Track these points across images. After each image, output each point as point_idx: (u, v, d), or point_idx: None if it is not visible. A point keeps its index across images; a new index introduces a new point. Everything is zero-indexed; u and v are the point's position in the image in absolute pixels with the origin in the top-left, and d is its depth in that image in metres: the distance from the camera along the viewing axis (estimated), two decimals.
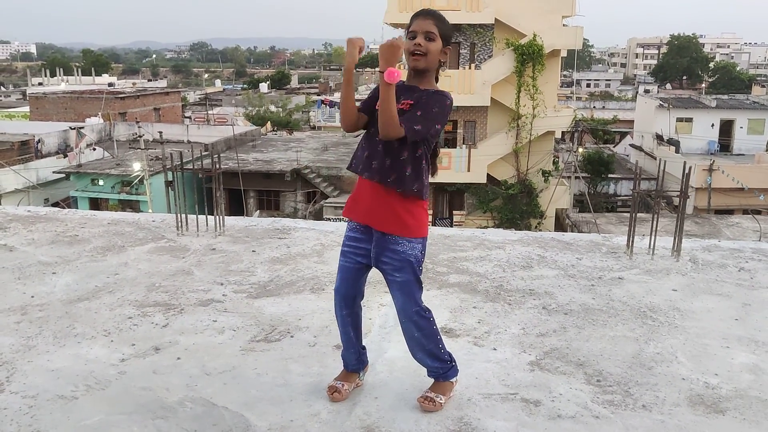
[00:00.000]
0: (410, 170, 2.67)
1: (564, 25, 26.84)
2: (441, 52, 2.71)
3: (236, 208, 28.08)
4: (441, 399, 2.83)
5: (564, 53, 29.02)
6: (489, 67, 25.79)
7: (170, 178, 5.77)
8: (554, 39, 25.62)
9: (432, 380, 2.91)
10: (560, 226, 27.24)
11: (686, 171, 4.93)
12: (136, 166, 27.13)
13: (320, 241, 5.36)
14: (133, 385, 3.03)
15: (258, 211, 30.28)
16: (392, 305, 3.91)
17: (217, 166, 5.66)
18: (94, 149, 33.83)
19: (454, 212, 27.62)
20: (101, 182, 29.19)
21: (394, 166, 2.67)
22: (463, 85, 25.51)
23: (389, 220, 2.70)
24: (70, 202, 29.19)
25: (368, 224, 2.75)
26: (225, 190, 5.61)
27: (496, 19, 25.75)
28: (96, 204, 29.16)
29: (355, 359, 2.97)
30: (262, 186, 30.69)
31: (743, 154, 36.24)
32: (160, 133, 30.33)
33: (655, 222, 5.03)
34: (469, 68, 25.84)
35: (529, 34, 25.20)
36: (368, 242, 2.77)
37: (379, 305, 3.96)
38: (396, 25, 27.82)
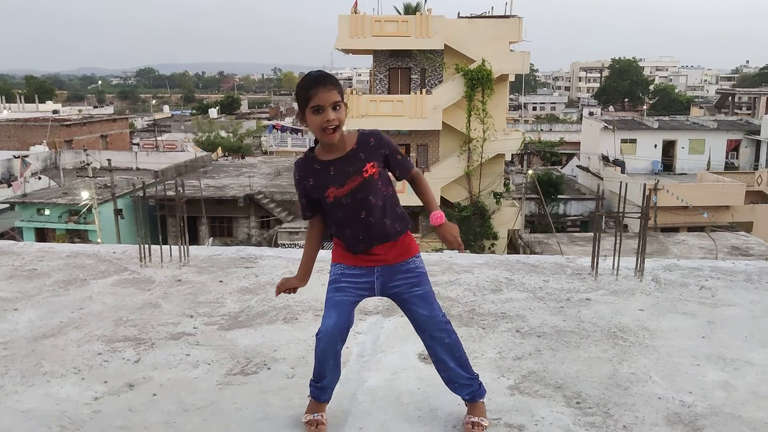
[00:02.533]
0: (398, 207, 2.80)
1: (511, 50, 27.46)
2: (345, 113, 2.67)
3: (189, 235, 27.61)
4: (485, 422, 2.83)
5: (512, 77, 29.67)
6: (440, 92, 26.17)
7: (119, 206, 5.68)
8: (502, 64, 26.21)
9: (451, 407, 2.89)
10: (513, 247, 27.62)
11: (646, 193, 5.07)
12: (84, 195, 26.50)
13: (289, 269, 5.31)
14: (109, 425, 2.94)
15: (211, 238, 29.87)
16: (369, 333, 3.93)
17: (181, 191, 5.59)
18: (40, 178, 33.05)
19: None
20: (47, 212, 28.43)
21: (395, 218, 2.75)
22: (415, 110, 25.83)
23: (398, 253, 2.77)
24: (15, 234, 28.32)
25: (382, 265, 2.76)
26: (178, 217, 5.53)
27: (445, 45, 26.23)
28: (42, 234, 28.36)
29: (332, 391, 2.94)
30: (215, 212, 30.33)
31: (686, 173, 37.55)
32: (109, 160, 29.79)
33: (618, 242, 5.14)
34: (421, 93, 26.18)
35: (478, 59, 25.71)
36: (370, 275, 2.78)
37: (355, 333, 3.93)
38: (347, 51, 28.03)
